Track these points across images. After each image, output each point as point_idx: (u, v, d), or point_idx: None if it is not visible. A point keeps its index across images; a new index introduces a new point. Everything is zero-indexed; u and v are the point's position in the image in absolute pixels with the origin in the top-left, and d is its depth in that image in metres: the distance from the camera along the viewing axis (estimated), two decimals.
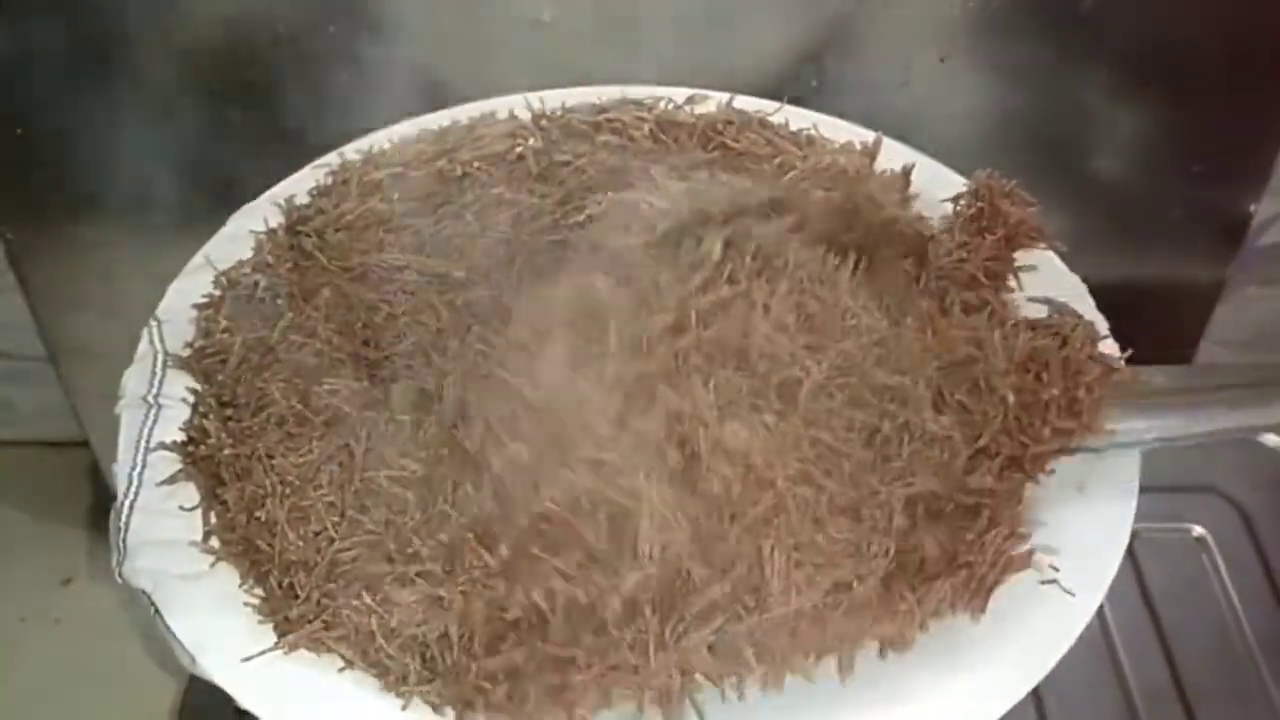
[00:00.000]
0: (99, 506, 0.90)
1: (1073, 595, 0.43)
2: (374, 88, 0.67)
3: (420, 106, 0.62)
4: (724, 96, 0.62)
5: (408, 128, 0.61)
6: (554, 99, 0.62)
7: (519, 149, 0.58)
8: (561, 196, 0.56)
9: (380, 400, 0.48)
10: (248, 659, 0.41)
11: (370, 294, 0.52)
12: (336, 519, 0.44)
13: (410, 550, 0.43)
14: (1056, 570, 0.44)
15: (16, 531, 0.90)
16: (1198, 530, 0.69)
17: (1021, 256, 0.54)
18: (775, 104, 0.62)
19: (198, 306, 0.52)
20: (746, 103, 0.62)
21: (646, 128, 0.59)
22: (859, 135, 0.60)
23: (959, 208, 0.54)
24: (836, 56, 0.68)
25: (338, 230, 0.55)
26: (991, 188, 0.53)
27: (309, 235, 0.54)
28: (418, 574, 0.42)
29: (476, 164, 0.57)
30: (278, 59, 0.67)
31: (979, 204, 0.53)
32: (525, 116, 0.60)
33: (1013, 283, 0.53)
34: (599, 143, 0.58)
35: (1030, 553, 0.44)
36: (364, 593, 0.42)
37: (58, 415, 0.88)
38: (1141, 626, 0.65)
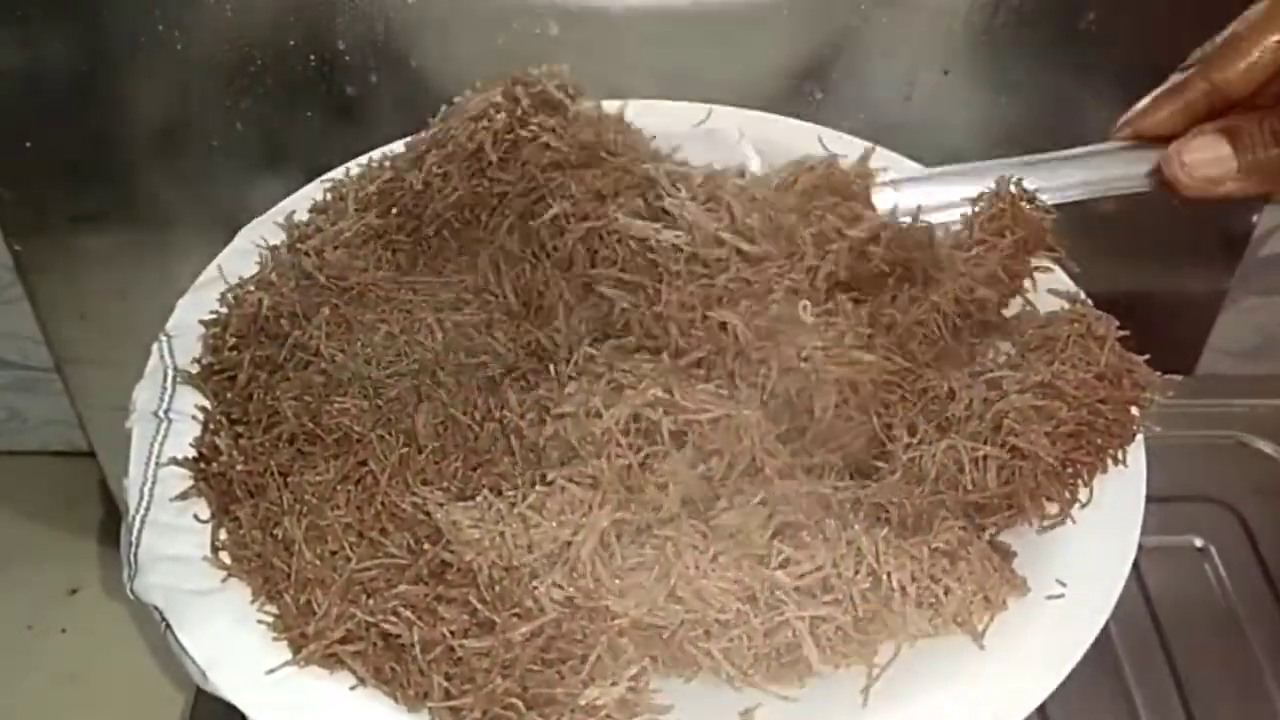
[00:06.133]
0: (106, 517, 0.91)
1: (1080, 611, 0.44)
2: (382, 103, 0.68)
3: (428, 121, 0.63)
4: (731, 110, 0.63)
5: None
6: None
7: (479, 135, 0.54)
8: (524, 187, 0.54)
9: (391, 420, 0.48)
10: (270, 671, 0.42)
11: (368, 314, 0.52)
12: (354, 539, 0.45)
13: (448, 576, 0.43)
14: (1064, 585, 0.44)
15: (23, 541, 0.90)
16: (1199, 540, 0.69)
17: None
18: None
19: (205, 323, 0.53)
20: (743, 115, 0.62)
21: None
22: (861, 147, 0.60)
23: (979, 207, 0.55)
24: (840, 70, 0.69)
25: (336, 248, 0.54)
26: (1014, 190, 0.54)
27: (308, 254, 0.54)
28: (453, 597, 0.43)
29: (438, 169, 0.55)
30: (287, 74, 0.67)
31: (1000, 205, 0.54)
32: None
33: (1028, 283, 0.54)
34: (572, 115, 0.55)
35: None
36: (402, 608, 0.42)
37: (65, 426, 0.88)
38: (1145, 636, 0.65)
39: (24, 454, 0.93)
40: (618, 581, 0.42)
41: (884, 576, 0.42)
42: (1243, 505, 0.71)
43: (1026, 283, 0.54)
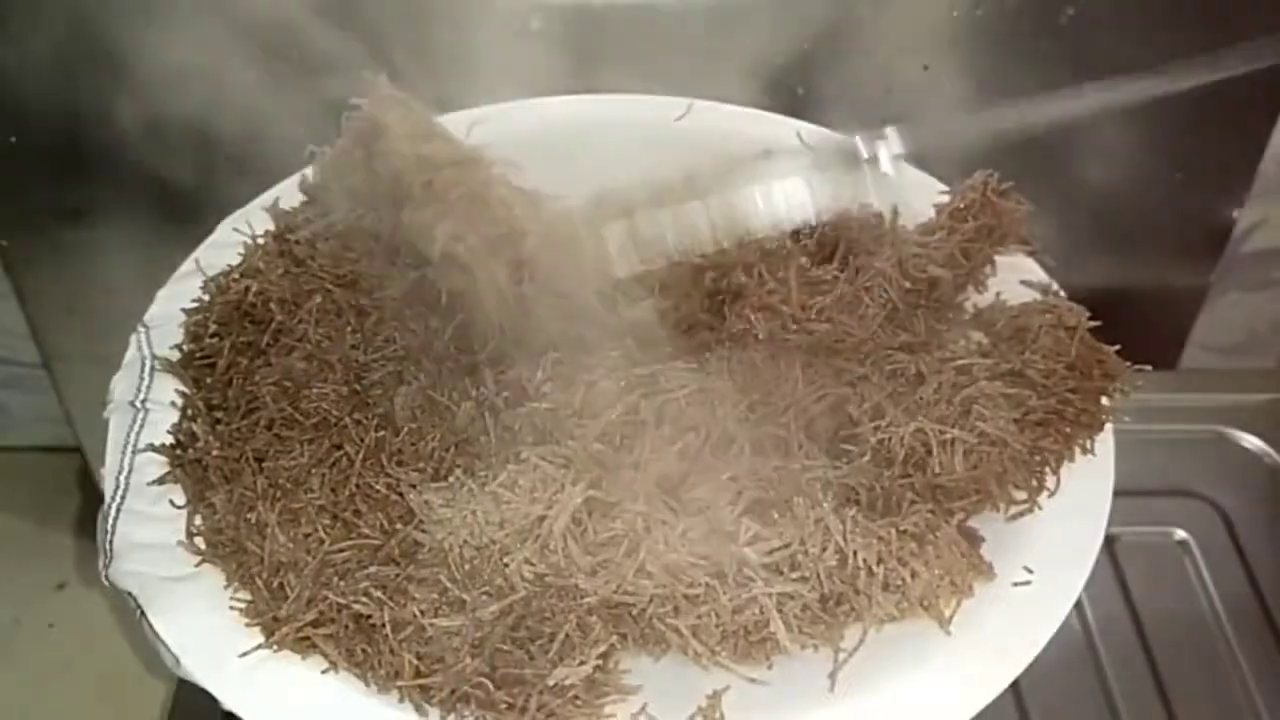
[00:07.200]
0: (92, 512, 0.90)
1: (1046, 599, 0.44)
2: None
3: None
4: (711, 104, 0.63)
5: None
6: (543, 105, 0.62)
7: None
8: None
9: (369, 404, 0.48)
10: (243, 655, 0.42)
11: (361, 299, 0.53)
12: (328, 522, 0.45)
13: (419, 556, 0.44)
14: (1031, 572, 0.45)
15: (10, 536, 0.90)
16: (1179, 534, 0.70)
17: (1007, 260, 0.55)
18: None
19: (187, 311, 0.53)
20: (722, 109, 0.63)
21: None
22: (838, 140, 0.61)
23: (954, 198, 0.56)
24: (821, 65, 0.69)
25: (328, 239, 0.55)
26: (986, 183, 0.55)
27: (300, 243, 0.55)
28: (424, 577, 0.43)
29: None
30: (269, 68, 0.67)
31: (972, 195, 0.55)
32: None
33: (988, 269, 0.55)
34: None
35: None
36: (374, 589, 0.42)
37: (52, 421, 0.88)
38: (1124, 630, 0.65)
39: (11, 449, 0.94)
40: (588, 558, 0.42)
41: (851, 555, 0.42)
42: (1224, 499, 0.71)
43: (1001, 274, 0.55)
